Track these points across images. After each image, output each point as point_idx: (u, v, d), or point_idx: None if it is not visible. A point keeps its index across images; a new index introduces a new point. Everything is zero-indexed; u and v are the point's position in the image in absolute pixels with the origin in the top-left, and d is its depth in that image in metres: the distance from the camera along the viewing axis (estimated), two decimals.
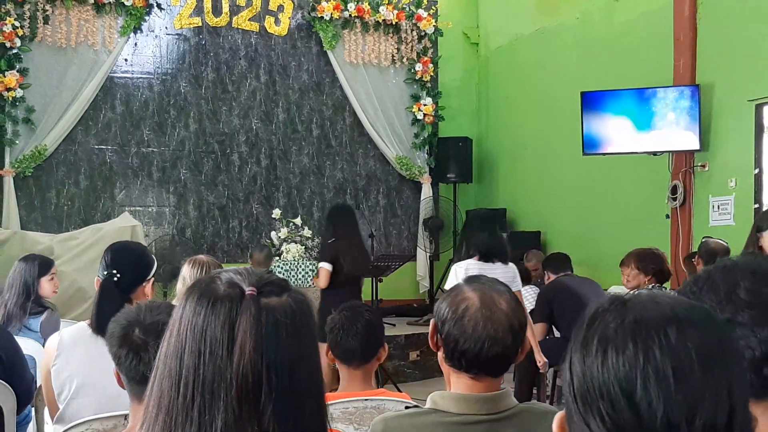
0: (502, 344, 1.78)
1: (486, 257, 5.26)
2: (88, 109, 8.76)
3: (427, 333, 1.89)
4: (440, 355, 1.88)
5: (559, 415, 0.95)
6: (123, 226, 7.43)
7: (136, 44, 9.07)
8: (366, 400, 2.55)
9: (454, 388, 1.85)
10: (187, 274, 3.47)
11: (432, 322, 1.88)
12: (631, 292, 0.93)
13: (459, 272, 5.03)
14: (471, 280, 1.89)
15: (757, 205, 6.70)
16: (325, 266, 6.14)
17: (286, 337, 1.10)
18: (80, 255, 6.89)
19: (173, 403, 1.07)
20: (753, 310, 1.04)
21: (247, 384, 1.06)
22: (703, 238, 6.31)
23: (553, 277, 6.32)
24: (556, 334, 6.08)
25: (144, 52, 9.15)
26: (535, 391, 6.14)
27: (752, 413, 1.04)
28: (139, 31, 8.98)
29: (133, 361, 1.84)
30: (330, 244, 6.24)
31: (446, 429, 1.78)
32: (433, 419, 1.80)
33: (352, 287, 6.24)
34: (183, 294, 1.15)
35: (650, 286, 4.93)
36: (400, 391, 5.33)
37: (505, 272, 5.17)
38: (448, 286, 5.06)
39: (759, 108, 6.71)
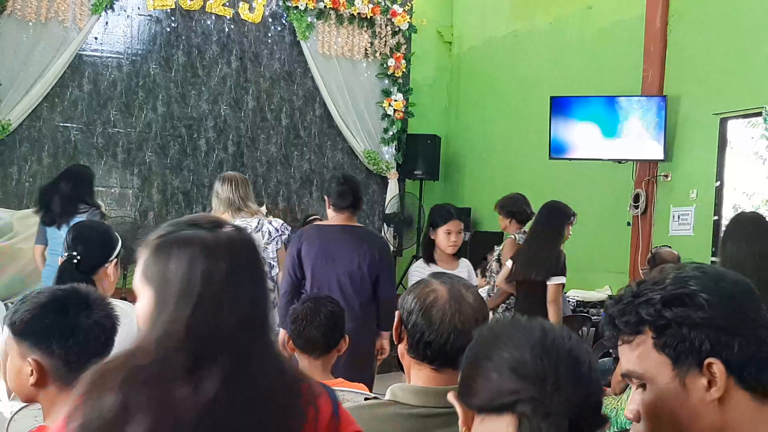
0: (468, 337, 1.79)
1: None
2: (55, 86, 8.60)
3: None
4: (401, 347, 1.88)
5: None
6: None
7: (107, 23, 8.93)
8: None
9: (414, 381, 1.86)
10: (219, 188, 5.01)
11: (397, 314, 1.88)
12: None
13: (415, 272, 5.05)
14: (437, 275, 1.91)
15: (716, 217, 6.82)
16: None
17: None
18: None
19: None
20: None
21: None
22: (652, 249, 6.42)
23: None
24: None
25: (114, 32, 9.02)
26: None
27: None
28: (110, 10, 8.81)
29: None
30: None
31: (405, 421, 1.79)
32: (393, 411, 1.81)
33: None
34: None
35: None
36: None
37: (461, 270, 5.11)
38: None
39: (723, 122, 6.81)
